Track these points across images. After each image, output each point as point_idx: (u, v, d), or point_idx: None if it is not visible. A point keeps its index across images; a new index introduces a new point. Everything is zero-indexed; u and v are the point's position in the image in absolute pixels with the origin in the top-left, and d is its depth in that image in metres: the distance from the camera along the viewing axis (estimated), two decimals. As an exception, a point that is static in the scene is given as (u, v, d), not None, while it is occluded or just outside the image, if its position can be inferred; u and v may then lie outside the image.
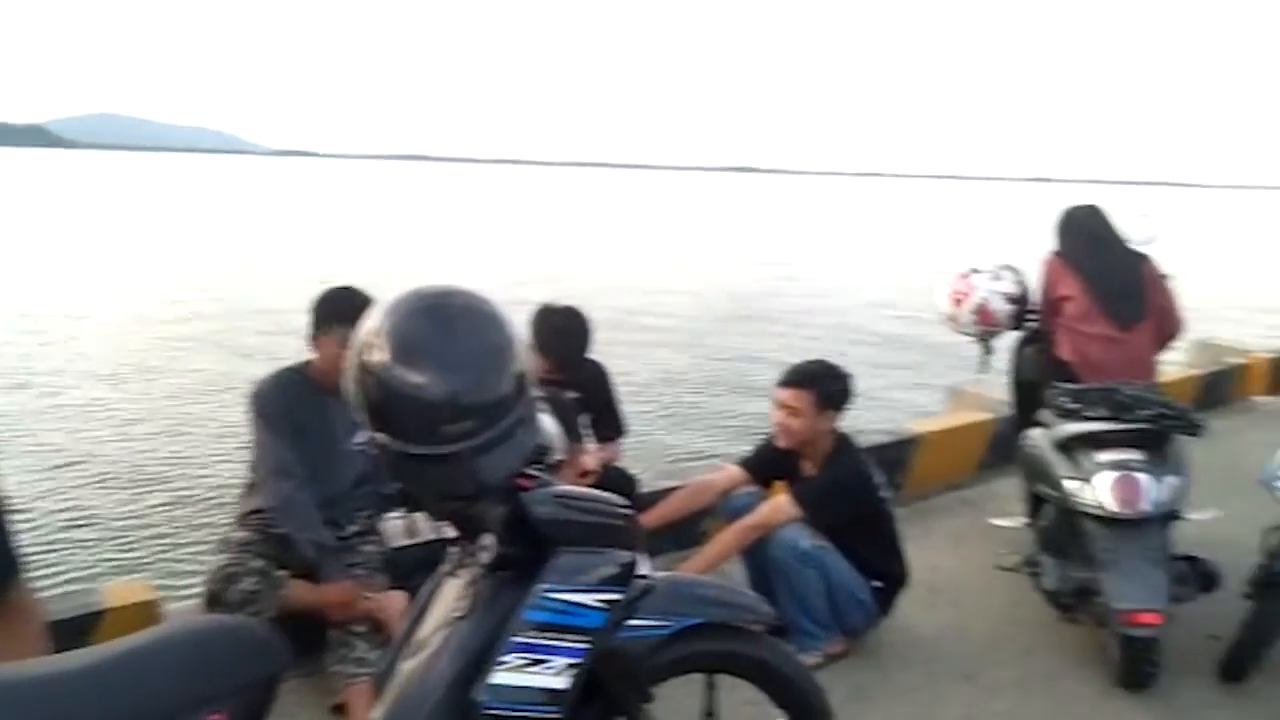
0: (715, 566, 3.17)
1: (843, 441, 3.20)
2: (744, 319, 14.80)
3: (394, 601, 2.75)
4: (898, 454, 4.86)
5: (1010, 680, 3.09)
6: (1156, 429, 3.05)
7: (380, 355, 1.45)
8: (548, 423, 1.69)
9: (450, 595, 1.73)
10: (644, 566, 1.78)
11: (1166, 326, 3.78)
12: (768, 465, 3.33)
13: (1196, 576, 3.00)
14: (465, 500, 1.57)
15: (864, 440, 4.89)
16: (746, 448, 3.52)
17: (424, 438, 1.47)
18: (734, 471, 3.38)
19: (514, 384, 1.52)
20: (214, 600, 2.70)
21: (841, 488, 3.11)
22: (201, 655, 1.26)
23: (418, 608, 1.85)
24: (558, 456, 1.73)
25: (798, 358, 3.34)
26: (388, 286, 1.69)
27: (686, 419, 8.94)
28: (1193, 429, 3.10)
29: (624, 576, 1.71)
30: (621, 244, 29.03)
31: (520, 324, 1.55)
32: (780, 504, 3.09)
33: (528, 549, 1.64)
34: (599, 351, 3.58)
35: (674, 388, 10.03)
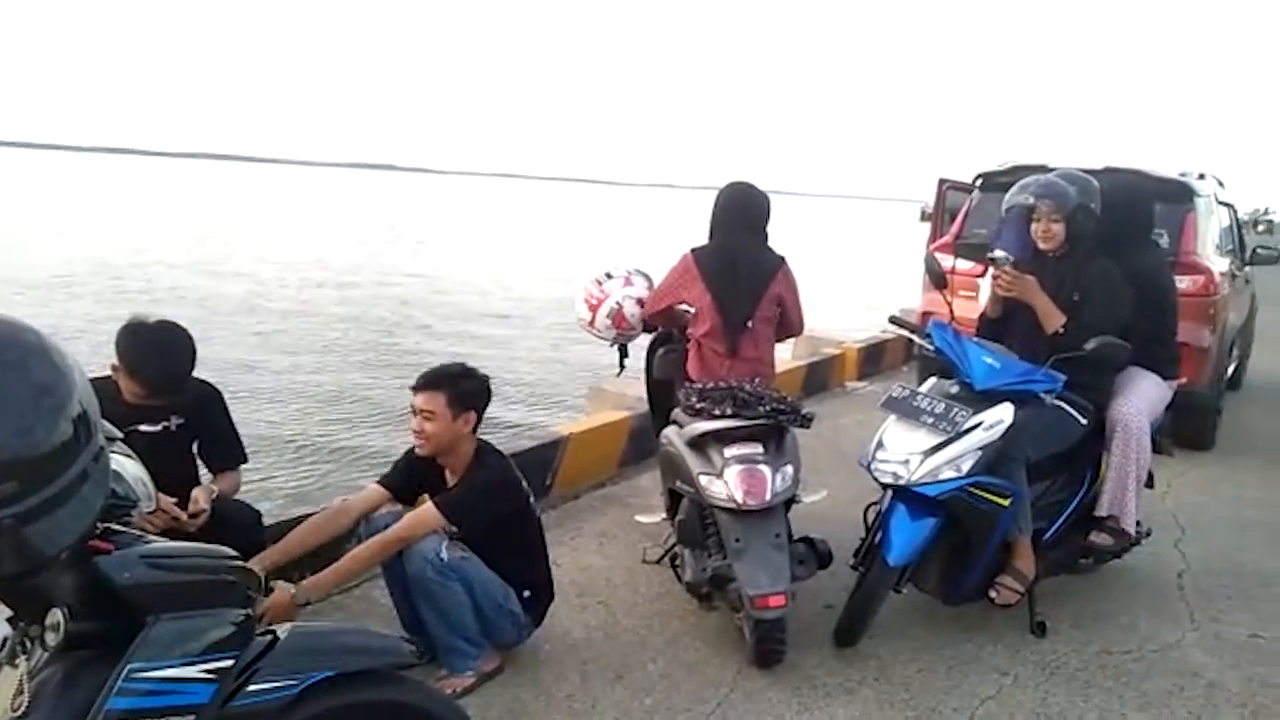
0: (344, 581, 3.04)
1: (484, 446, 3.12)
2: (402, 322, 14.33)
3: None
4: (546, 455, 4.89)
5: (658, 673, 3.18)
6: (774, 424, 3.29)
7: None
8: (129, 467, 1.42)
9: (8, 689, 1.40)
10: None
11: (787, 330, 4.00)
12: (410, 479, 3.16)
13: (813, 555, 3.27)
14: (16, 577, 1.25)
15: (512, 445, 4.88)
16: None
17: None
18: (373, 491, 3.16)
19: (73, 430, 1.22)
20: None
21: (485, 492, 3.01)
22: None
23: (-32, 706, 1.48)
24: (146, 506, 1.46)
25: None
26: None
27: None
28: (804, 421, 3.39)
29: (238, 638, 1.49)
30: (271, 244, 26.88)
31: (75, 359, 1.24)
32: (423, 514, 2.95)
33: (113, 621, 1.37)
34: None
35: (335, 405, 9.35)
